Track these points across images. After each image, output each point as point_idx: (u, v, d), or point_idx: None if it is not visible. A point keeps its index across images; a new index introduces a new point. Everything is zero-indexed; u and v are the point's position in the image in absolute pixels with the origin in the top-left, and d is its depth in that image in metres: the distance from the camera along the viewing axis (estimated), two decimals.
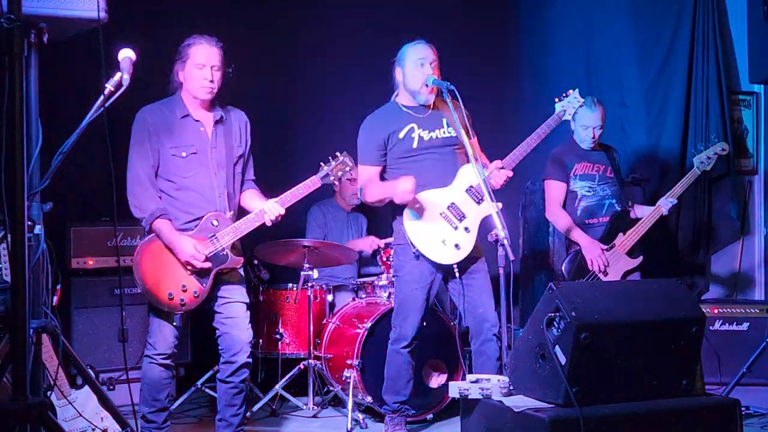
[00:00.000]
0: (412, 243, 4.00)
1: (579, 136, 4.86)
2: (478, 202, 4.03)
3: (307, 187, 3.84)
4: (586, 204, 4.82)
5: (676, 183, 4.90)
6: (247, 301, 3.87)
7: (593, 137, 4.81)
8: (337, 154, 3.94)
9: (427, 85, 4.01)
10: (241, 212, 3.87)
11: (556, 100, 4.22)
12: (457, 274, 4.02)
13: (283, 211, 3.77)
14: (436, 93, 4.08)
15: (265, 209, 3.74)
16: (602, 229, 4.76)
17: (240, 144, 3.87)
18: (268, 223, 3.77)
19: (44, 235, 2.69)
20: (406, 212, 4.02)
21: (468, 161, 4.01)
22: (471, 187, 4.05)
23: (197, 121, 3.78)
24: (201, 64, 3.71)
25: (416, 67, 4.03)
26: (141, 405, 3.74)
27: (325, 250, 4.96)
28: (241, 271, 3.87)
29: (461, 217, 4.03)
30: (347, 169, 3.92)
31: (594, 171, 4.84)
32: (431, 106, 4.12)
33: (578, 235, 4.72)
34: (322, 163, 3.92)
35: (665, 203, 4.80)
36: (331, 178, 3.90)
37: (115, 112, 2.83)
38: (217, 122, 3.81)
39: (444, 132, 4.09)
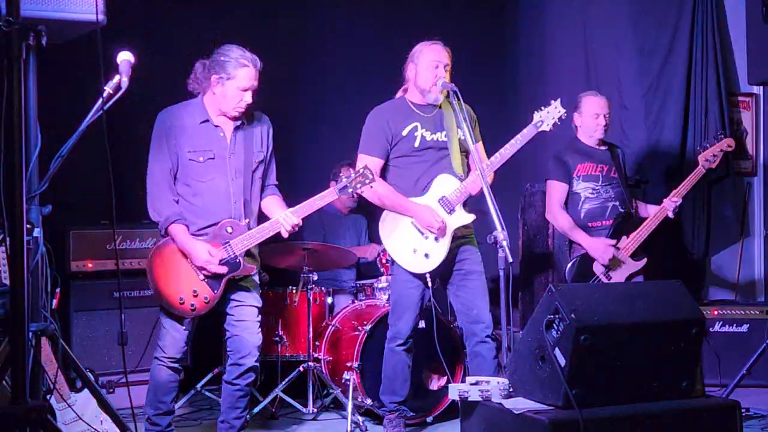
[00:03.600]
0: (386, 250, 4.08)
1: (589, 129, 4.79)
2: (450, 213, 4.02)
3: (323, 198, 3.74)
4: (589, 207, 4.78)
5: (681, 182, 4.77)
6: (260, 305, 3.83)
7: (605, 124, 4.76)
8: (358, 166, 3.85)
9: (436, 86, 3.99)
10: (261, 218, 3.81)
11: (536, 112, 4.05)
12: (429, 283, 4.02)
13: (298, 221, 3.69)
14: (445, 95, 4.06)
15: (280, 219, 3.68)
16: (606, 233, 4.70)
17: (261, 149, 3.81)
18: (284, 234, 3.70)
19: (43, 238, 2.69)
20: (382, 219, 4.07)
21: (461, 167, 4.04)
22: (444, 197, 4.02)
23: (217, 126, 3.73)
24: (245, 87, 3.64)
25: (430, 68, 4.00)
26: (146, 407, 3.75)
27: (325, 253, 4.96)
28: (256, 278, 3.83)
29: None
30: (367, 181, 3.76)
31: (597, 171, 4.79)
32: (438, 107, 4.10)
33: (580, 236, 4.68)
34: (342, 173, 3.85)
35: (670, 204, 4.71)
36: (350, 190, 3.76)
37: (113, 114, 2.82)
38: (237, 128, 3.75)
39: (443, 136, 4.07)
